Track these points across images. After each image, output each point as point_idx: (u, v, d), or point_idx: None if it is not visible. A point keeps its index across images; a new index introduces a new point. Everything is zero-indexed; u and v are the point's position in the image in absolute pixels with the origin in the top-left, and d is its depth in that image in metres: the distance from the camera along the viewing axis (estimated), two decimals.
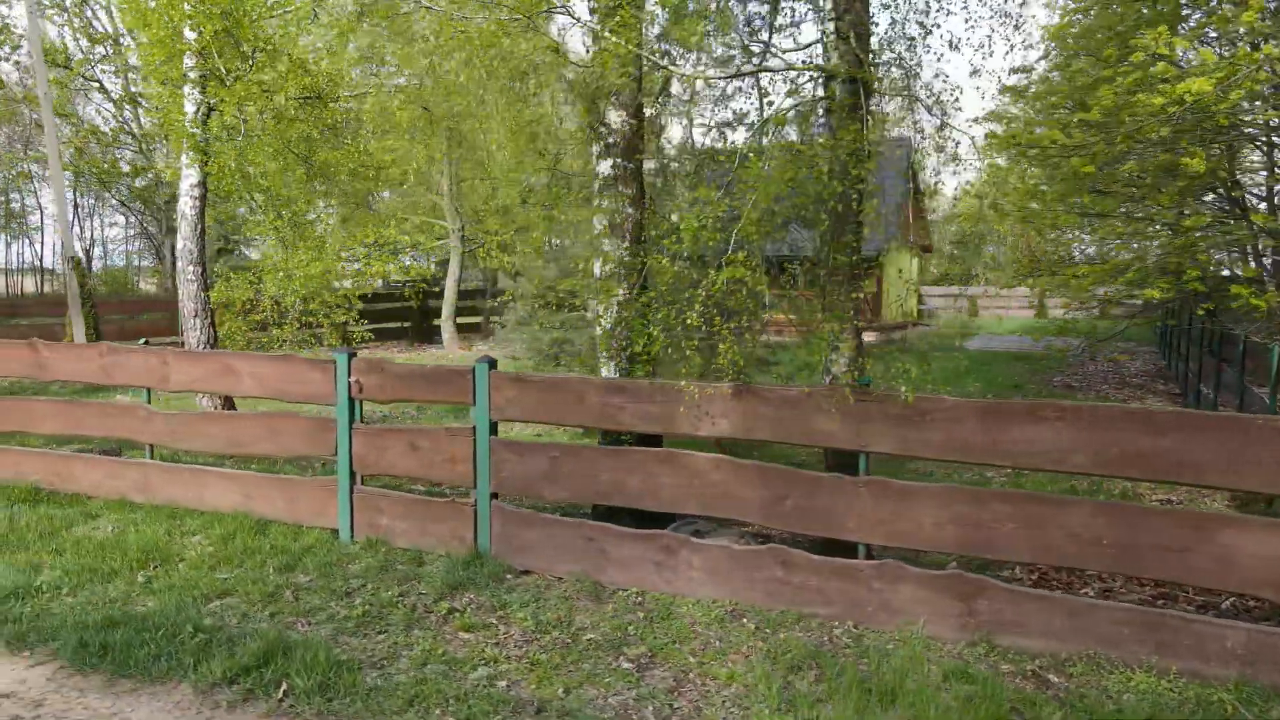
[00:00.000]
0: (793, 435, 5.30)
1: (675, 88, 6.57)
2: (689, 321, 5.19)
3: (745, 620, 5.23)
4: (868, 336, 12.17)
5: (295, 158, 8.77)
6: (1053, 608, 4.70)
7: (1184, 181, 8.63)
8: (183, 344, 9.88)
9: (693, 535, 5.71)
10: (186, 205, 9.46)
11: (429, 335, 27.26)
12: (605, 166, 6.25)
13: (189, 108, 9.34)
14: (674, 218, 5.24)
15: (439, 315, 27.99)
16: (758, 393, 5.30)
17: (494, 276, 33.22)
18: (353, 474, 6.50)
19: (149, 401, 7.52)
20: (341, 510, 6.53)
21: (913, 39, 5.92)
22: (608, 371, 6.48)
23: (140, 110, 33.60)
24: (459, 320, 26.48)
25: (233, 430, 6.97)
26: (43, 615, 5.12)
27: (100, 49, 32.37)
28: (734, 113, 6.60)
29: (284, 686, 4.27)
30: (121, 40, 32.65)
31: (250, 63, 8.92)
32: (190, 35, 9.07)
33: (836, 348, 5.71)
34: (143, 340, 7.77)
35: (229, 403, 9.69)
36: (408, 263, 20.64)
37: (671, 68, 5.51)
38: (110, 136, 34.23)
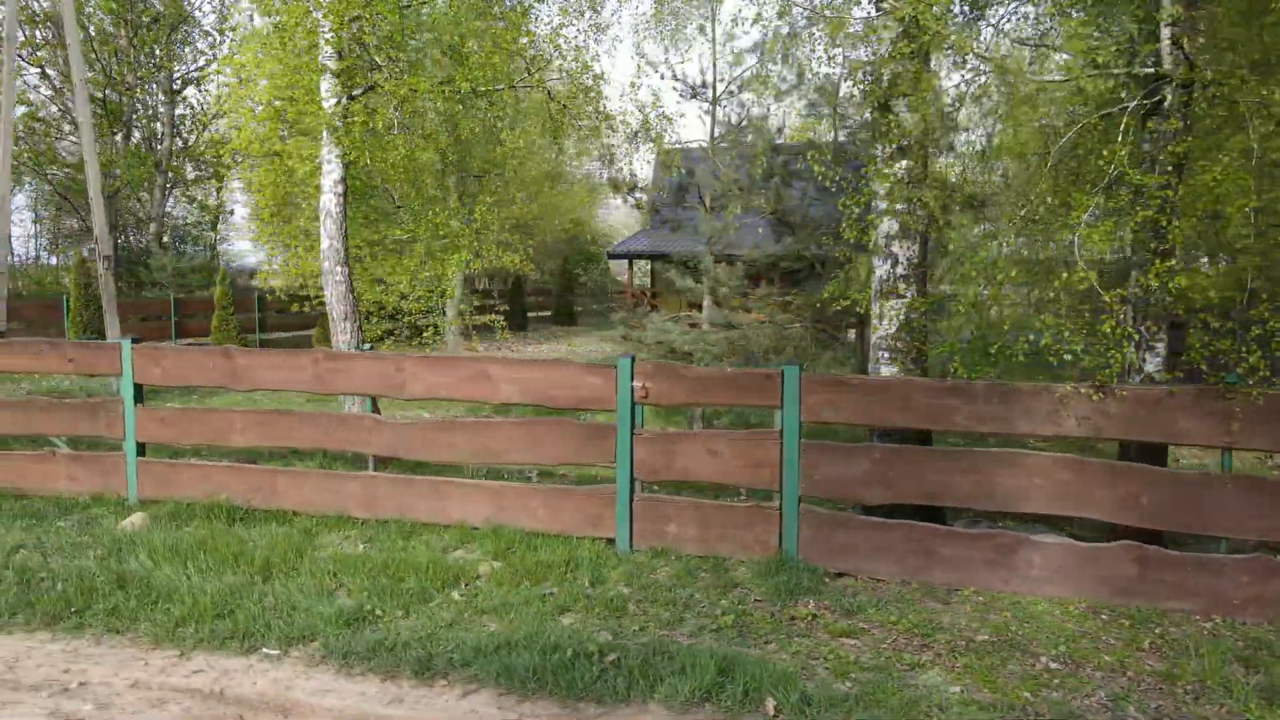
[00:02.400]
0: (1148, 434, 5.41)
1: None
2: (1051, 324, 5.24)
3: (1104, 616, 5.33)
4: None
5: (456, 154, 8.41)
6: None
7: None
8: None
9: (1030, 535, 5.76)
10: (331, 202, 8.96)
11: (418, 334, 26.53)
12: (900, 168, 6.23)
13: (328, 101, 8.87)
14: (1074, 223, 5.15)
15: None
16: (1112, 393, 5.38)
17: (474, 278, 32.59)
18: (633, 481, 6.32)
19: (373, 410, 7.14)
20: (620, 519, 6.34)
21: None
22: (890, 371, 6.47)
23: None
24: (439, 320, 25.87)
25: (482, 439, 6.66)
26: (415, 643, 4.80)
27: (39, 32, 30.30)
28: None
29: (771, 702, 4.14)
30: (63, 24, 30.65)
31: (392, 59, 8.54)
32: (325, 25, 8.62)
33: (1152, 347, 5.85)
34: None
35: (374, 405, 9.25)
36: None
37: (1010, 73, 5.53)
38: (45, 125, 32.17)
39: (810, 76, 8.44)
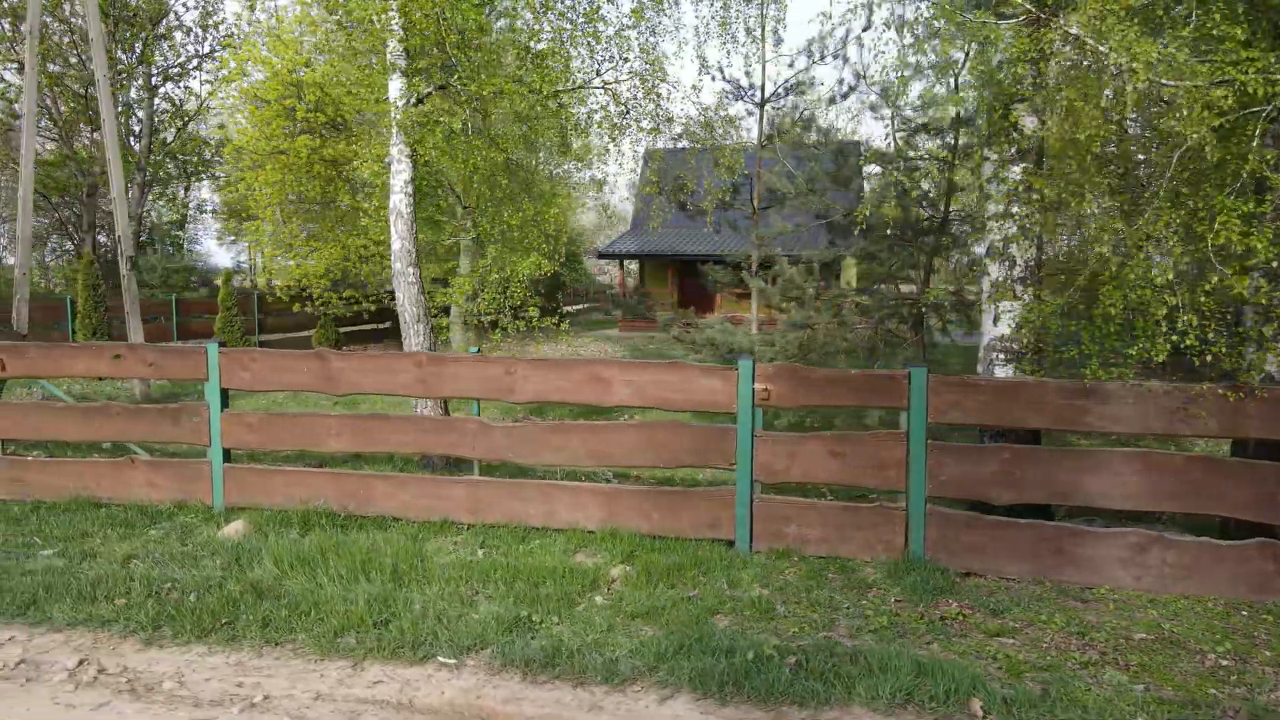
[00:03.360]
0: None
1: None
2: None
3: (1245, 613, 5.43)
4: None
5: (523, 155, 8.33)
6: None
7: None
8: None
9: (1163, 533, 5.84)
10: (401, 203, 8.83)
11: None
12: (1015, 171, 6.30)
13: (398, 100, 8.74)
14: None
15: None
16: (1252, 392, 5.49)
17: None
18: (753, 483, 6.31)
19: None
20: (740, 521, 6.33)
21: None
22: (1005, 373, 6.53)
23: (59, 94, 30.84)
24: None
25: (597, 441, 6.60)
26: (586, 648, 4.75)
27: (7, 24, 29.46)
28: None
29: (977, 703, 4.16)
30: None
31: (469, 59, 8.46)
32: (396, 23, 8.50)
33: (1263, 347, 5.97)
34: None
35: (445, 407, 9.16)
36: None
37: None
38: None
39: (874, 76, 8.50)
